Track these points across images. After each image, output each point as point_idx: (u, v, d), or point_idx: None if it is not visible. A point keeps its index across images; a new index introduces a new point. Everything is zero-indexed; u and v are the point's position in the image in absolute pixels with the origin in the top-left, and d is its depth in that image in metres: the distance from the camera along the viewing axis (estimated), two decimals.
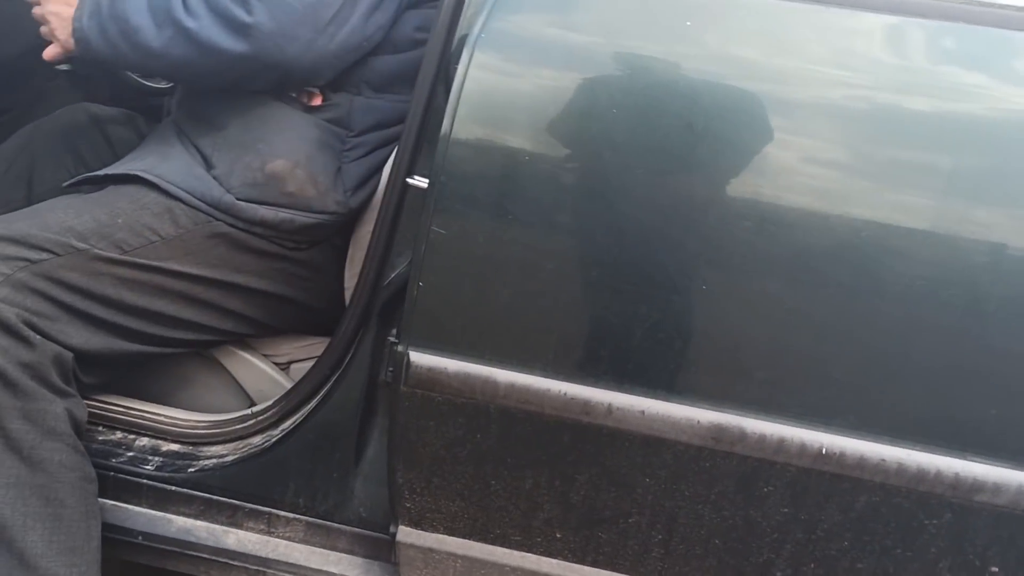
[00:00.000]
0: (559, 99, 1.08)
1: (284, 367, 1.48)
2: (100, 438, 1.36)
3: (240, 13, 1.26)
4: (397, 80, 1.44)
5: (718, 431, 1.10)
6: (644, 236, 1.08)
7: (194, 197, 1.33)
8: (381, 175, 1.43)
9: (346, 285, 1.47)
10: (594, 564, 1.20)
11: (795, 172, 1.06)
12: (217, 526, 1.31)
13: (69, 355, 1.26)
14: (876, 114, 1.06)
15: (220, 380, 1.46)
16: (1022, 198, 1.03)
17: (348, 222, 1.44)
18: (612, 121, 1.07)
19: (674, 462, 1.12)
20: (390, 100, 1.45)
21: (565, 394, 1.11)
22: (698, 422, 1.10)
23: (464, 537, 1.22)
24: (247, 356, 1.46)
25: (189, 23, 1.28)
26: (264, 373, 1.46)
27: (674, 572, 1.18)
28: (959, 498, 1.07)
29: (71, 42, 1.36)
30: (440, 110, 1.13)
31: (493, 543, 1.21)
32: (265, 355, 1.48)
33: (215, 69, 1.31)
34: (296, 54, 1.29)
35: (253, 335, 1.46)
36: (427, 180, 1.12)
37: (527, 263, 1.10)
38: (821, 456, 1.08)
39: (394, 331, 1.22)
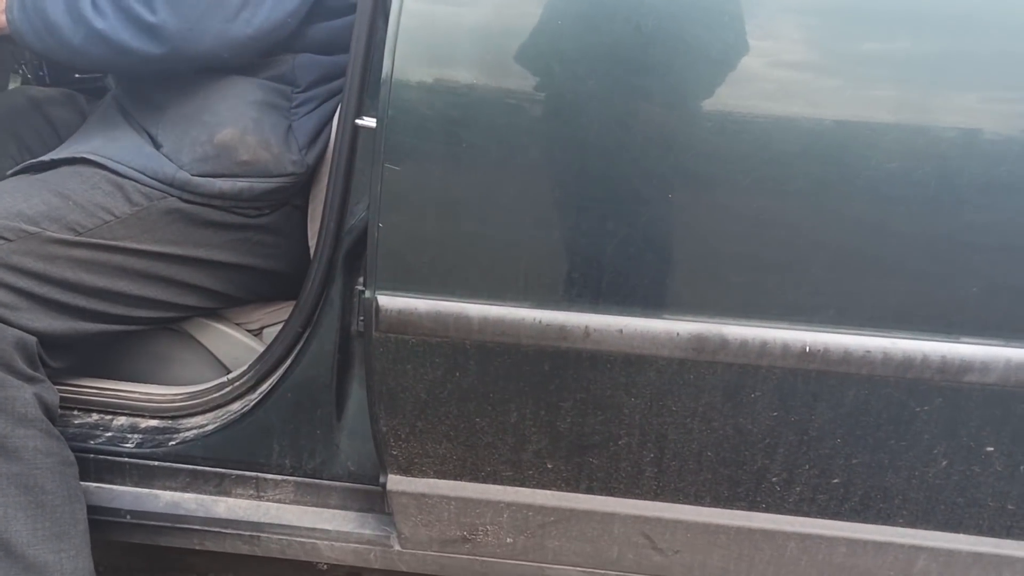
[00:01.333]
0: (500, 17, 1.04)
1: (256, 333, 1.45)
2: (76, 421, 1.33)
3: (143, 12, 1.22)
4: (339, 44, 1.38)
5: (699, 341, 1.07)
6: (603, 149, 1.04)
7: (146, 176, 1.29)
8: (332, 126, 1.39)
9: (311, 244, 1.43)
10: (589, 491, 1.18)
11: (753, 68, 1.02)
12: (205, 496, 1.29)
13: (33, 339, 1.22)
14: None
15: (194, 353, 1.43)
16: (988, 77, 1.01)
17: (307, 181, 1.40)
18: (558, 33, 1.03)
19: (658, 378, 1.10)
20: (335, 57, 1.40)
21: (540, 321, 1.09)
22: (678, 334, 1.07)
23: (455, 479, 1.20)
24: (218, 326, 1.43)
25: (98, 24, 1.23)
26: (237, 341, 1.43)
27: (670, 489, 1.17)
28: (948, 381, 1.05)
29: (2, 18, 1.30)
30: (383, 45, 1.08)
31: (485, 481, 1.19)
32: (237, 323, 1.45)
33: (135, 66, 1.28)
34: (209, 47, 1.25)
35: (221, 307, 1.43)
36: (375, 119, 1.08)
37: (487, 191, 1.07)
38: (805, 355, 1.06)
39: (361, 279, 1.19)
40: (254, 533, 1.28)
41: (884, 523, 1.15)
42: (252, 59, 1.32)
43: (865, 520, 1.15)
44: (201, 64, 1.28)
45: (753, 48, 1.01)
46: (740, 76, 1.01)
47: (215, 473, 1.29)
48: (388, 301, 1.10)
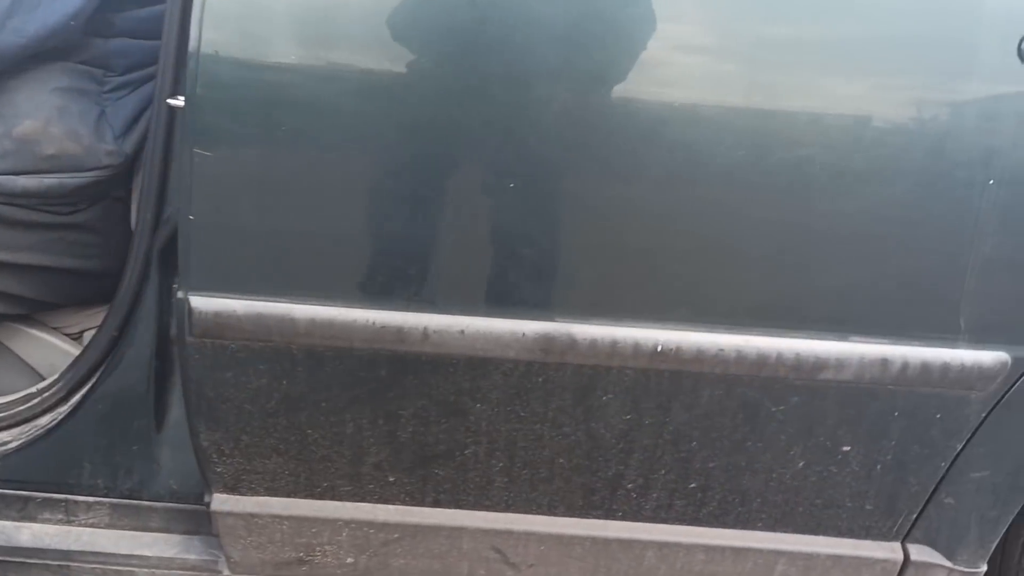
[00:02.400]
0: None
1: (76, 337, 1.30)
2: None
3: None
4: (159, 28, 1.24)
5: (546, 342, 1.00)
6: (439, 135, 0.95)
7: None
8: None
9: None
10: (436, 504, 1.10)
11: (601, 48, 0.95)
12: (7, 522, 1.15)
13: None
14: None
15: (1, 361, 1.28)
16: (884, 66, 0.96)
17: (129, 170, 1.26)
18: (386, 6, 0.93)
19: (504, 382, 1.02)
20: (157, 42, 1.26)
21: (374, 323, 0.99)
22: (524, 335, 0.99)
23: (288, 496, 1.09)
24: (31, 331, 1.28)
25: None
26: (53, 346, 1.28)
27: (521, 500, 1.09)
28: (803, 379, 1.01)
29: None
30: None
31: (321, 497, 1.09)
32: (53, 327, 1.30)
33: None
34: None
35: (31, 313, 1.28)
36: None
37: (311, 180, 0.96)
38: (657, 354, 1.00)
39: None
40: (64, 562, 1.15)
41: (743, 527, 1.10)
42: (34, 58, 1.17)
43: (724, 525, 1.10)
44: None
45: (607, 27, 0.94)
46: (585, 56, 0.94)
47: (18, 496, 1.15)
48: (202, 303, 0.98)
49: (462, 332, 0.99)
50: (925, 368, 1.00)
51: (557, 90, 0.95)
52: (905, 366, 1.00)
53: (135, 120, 1.24)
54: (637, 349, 1.00)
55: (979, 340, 0.99)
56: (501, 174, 0.96)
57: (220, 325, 0.99)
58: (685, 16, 0.95)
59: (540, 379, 1.02)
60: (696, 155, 0.94)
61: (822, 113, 0.95)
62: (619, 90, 0.94)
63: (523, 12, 0.93)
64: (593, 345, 1.00)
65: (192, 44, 0.93)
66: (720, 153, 0.94)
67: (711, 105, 0.95)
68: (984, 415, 1.02)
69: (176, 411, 1.13)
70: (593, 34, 0.94)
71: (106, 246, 1.28)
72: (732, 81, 0.95)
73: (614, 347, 1.00)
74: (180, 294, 0.99)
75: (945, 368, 1.00)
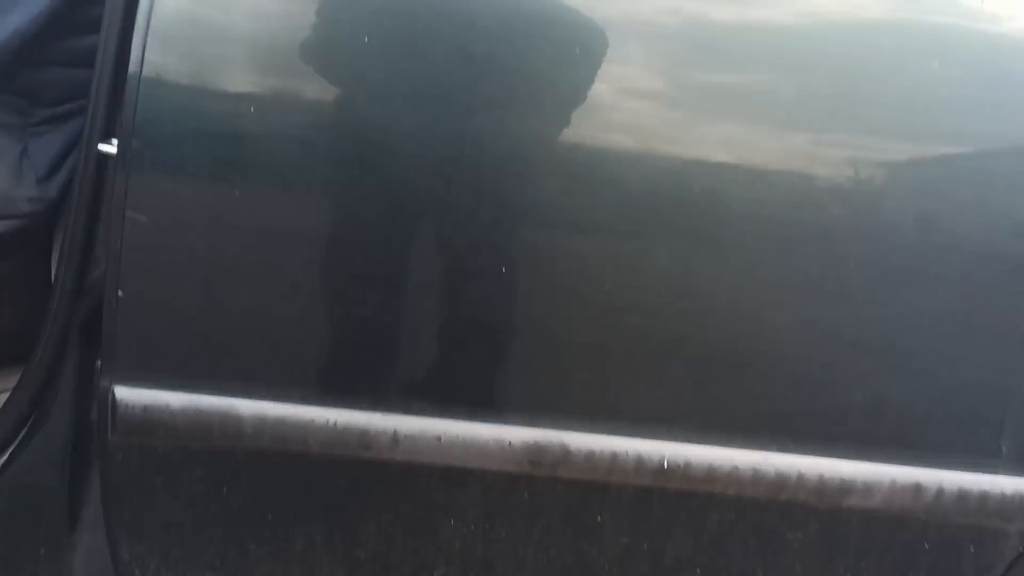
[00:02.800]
0: (284, 26, 0.79)
1: None
2: None
3: None
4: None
5: (536, 452, 0.86)
6: (421, 206, 0.81)
7: None
8: None
9: None
10: None
11: (609, 105, 0.82)
12: None
13: None
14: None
15: None
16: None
17: (53, 216, 1.09)
18: (365, 55, 0.79)
19: (484, 497, 0.88)
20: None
21: (335, 424, 0.85)
22: (510, 444, 0.86)
23: None
24: None
25: None
26: None
27: None
28: (825, 504, 0.89)
29: None
30: None
31: None
32: None
33: None
34: None
35: None
36: None
37: (266, 252, 0.82)
38: (663, 471, 0.87)
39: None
40: None
41: None
42: None
43: None
44: None
45: (603, 78, 0.82)
46: (592, 113, 0.81)
47: None
48: (129, 394, 0.83)
49: (439, 439, 0.85)
50: (962, 496, 0.89)
51: (561, 159, 0.82)
52: (940, 493, 0.88)
53: (63, 159, 1.07)
54: (640, 464, 0.87)
55: (1022, 466, 0.89)
56: (490, 257, 0.83)
57: (150, 422, 0.83)
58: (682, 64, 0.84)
59: (526, 495, 0.88)
60: (708, 244, 0.83)
61: (852, 193, 0.84)
62: (620, 166, 0.82)
63: (522, 67, 0.80)
64: (590, 458, 0.86)
65: (130, 87, 0.78)
66: (741, 246, 0.82)
67: (731, 181, 0.83)
68: (1022, 550, 0.92)
69: (94, 510, 0.97)
70: (599, 88, 0.81)
71: (22, 302, 1.11)
72: (742, 147, 0.83)
73: (614, 461, 0.86)
74: (103, 383, 0.83)
75: (984, 497, 0.89)
